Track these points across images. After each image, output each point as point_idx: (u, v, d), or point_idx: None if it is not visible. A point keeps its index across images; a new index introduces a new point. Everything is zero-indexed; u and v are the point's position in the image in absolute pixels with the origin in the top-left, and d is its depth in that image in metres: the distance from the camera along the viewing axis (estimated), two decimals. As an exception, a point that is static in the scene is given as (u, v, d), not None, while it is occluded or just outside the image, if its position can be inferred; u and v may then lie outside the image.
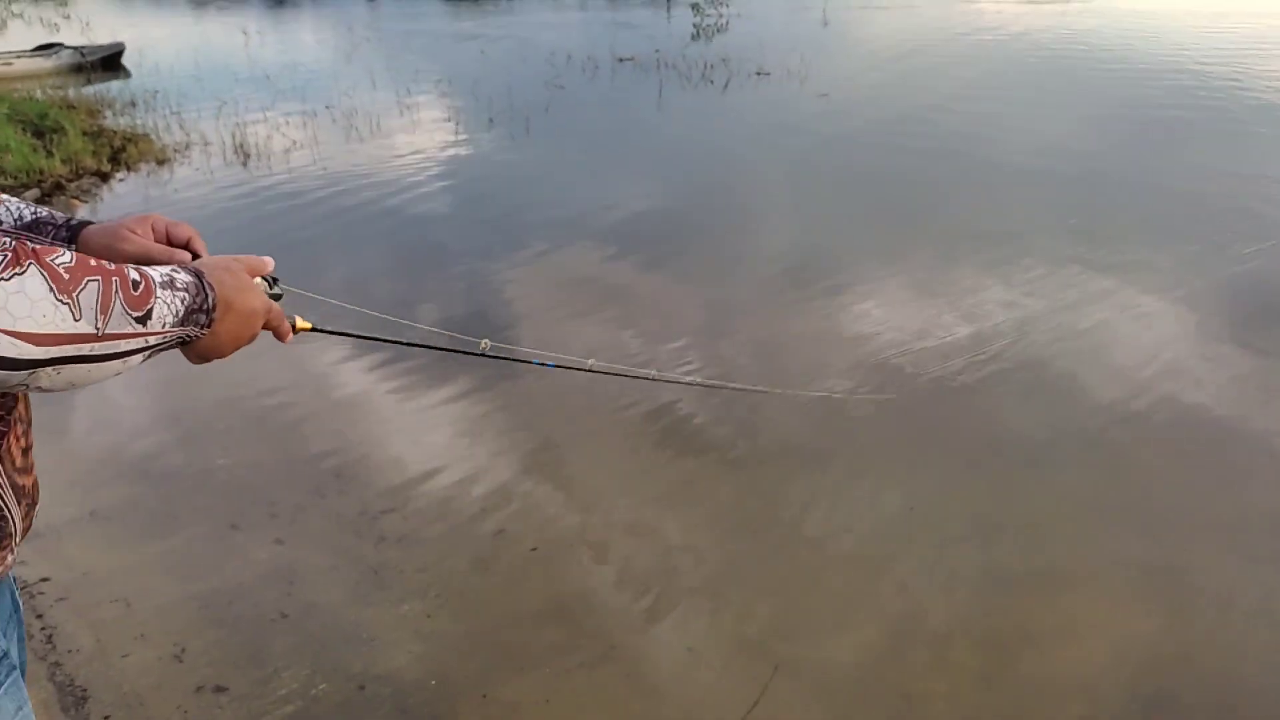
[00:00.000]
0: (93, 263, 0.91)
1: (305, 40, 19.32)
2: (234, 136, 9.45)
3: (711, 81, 12.54)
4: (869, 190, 7.75)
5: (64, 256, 0.89)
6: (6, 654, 1.14)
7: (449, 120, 10.69)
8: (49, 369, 0.87)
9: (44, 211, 1.33)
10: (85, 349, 0.89)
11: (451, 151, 9.38)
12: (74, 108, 10.84)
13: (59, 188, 7.74)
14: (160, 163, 8.79)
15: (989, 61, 14.12)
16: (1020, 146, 8.93)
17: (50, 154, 8.31)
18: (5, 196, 1.35)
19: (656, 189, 7.92)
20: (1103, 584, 3.12)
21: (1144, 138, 9.27)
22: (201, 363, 1.12)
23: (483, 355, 1.61)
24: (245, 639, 2.90)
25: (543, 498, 3.62)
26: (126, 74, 14.46)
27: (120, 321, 0.91)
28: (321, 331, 1.31)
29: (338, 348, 4.82)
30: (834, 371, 4.62)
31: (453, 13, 26.77)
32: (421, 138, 9.89)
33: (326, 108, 11.09)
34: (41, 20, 23.09)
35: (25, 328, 0.83)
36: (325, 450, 3.98)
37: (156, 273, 1.00)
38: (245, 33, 18.22)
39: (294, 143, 9.48)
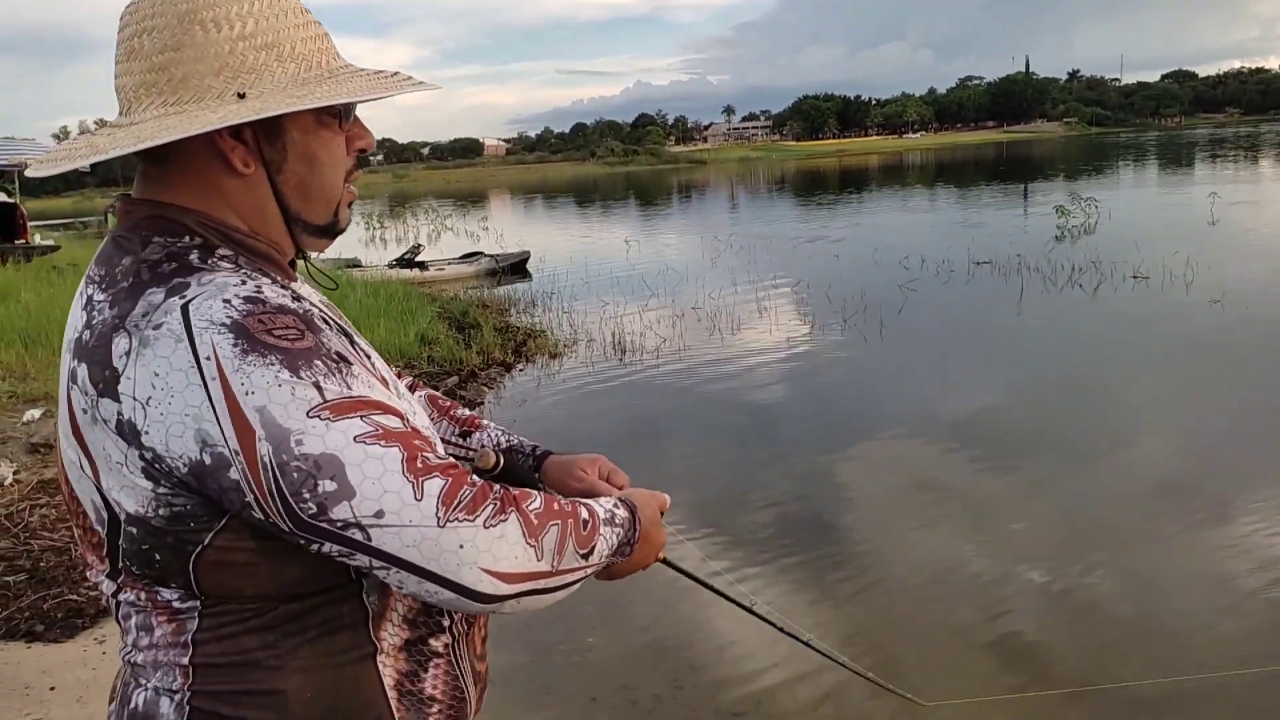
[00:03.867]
0: (555, 506, 1.08)
1: (674, 246, 21.37)
2: (613, 334, 10.58)
3: (1079, 285, 11.98)
4: (1273, 408, 6.86)
5: (535, 502, 1.06)
6: None
7: (804, 321, 11.18)
8: (513, 601, 1.03)
9: (515, 439, 1.55)
10: (541, 584, 1.04)
11: (805, 349, 9.77)
12: (488, 307, 12.80)
13: (473, 375, 9.08)
14: (553, 356, 10.05)
15: None
16: None
17: (468, 346, 9.83)
18: (488, 423, 1.59)
19: (1017, 393, 7.63)
20: None
21: None
22: (608, 580, 1.25)
23: (807, 646, 1.68)
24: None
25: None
26: (529, 277, 16.88)
27: (570, 559, 1.07)
28: (670, 566, 1.42)
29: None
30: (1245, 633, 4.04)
31: (803, 216, 28.30)
32: (778, 337, 10.41)
33: (693, 308, 12.10)
34: (467, 231, 27.83)
35: (503, 568, 1.00)
36: (681, 641, 4.16)
37: (601, 508, 1.16)
38: (626, 241, 20.55)
39: (664, 340, 10.40)
